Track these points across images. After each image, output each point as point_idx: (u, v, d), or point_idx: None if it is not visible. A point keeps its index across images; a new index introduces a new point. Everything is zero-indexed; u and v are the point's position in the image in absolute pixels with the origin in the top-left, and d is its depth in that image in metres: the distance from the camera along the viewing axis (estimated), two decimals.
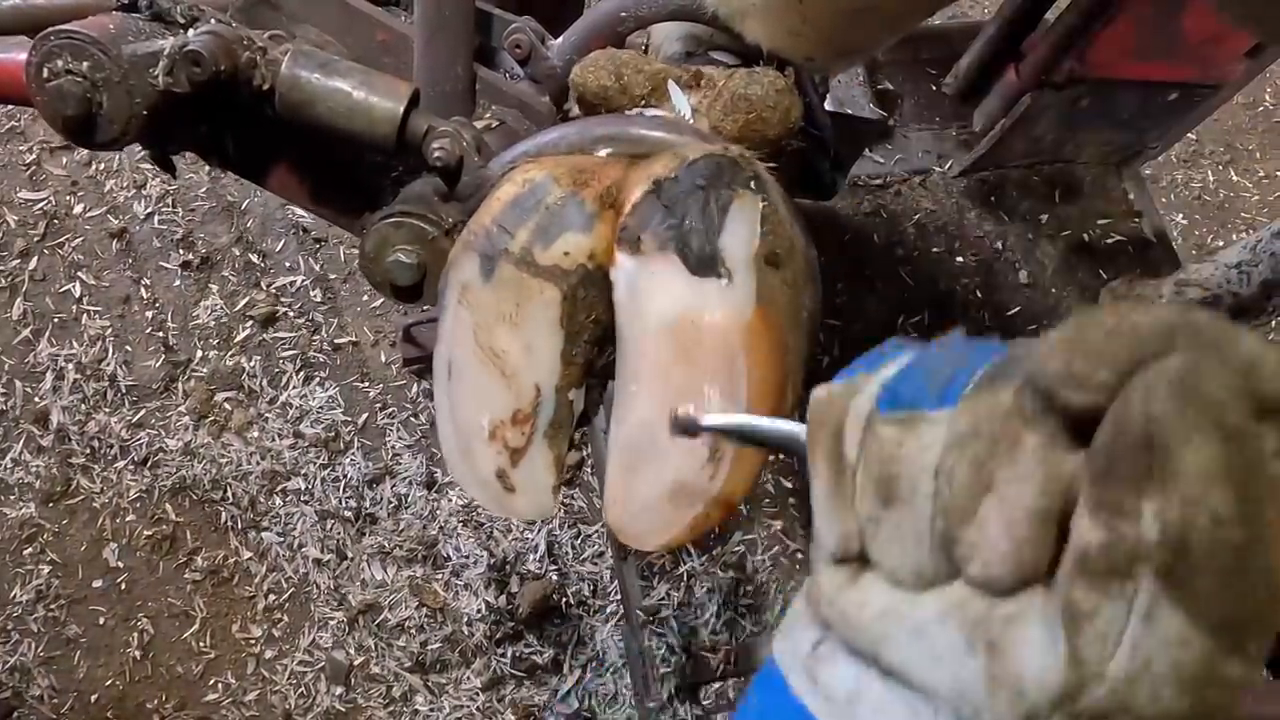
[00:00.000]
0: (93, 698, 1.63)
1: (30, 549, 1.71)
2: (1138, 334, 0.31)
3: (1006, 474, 0.33)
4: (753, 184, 0.60)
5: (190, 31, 0.71)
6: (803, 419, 0.47)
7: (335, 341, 1.88)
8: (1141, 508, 0.29)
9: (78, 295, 1.88)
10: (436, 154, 0.69)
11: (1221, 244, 2.21)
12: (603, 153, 0.66)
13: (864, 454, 0.38)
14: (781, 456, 1.48)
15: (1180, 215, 2.27)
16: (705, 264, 0.59)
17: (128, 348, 1.85)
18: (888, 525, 0.37)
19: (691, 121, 0.71)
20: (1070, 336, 0.32)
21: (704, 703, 1.36)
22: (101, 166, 1.98)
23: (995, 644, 0.33)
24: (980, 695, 0.34)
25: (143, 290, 1.90)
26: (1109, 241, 1.64)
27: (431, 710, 1.63)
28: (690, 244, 0.59)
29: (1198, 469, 0.28)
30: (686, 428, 0.53)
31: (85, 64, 0.68)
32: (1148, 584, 0.29)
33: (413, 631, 1.67)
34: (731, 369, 0.60)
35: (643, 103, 0.72)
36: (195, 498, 1.75)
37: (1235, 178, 2.33)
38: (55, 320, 1.86)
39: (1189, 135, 2.04)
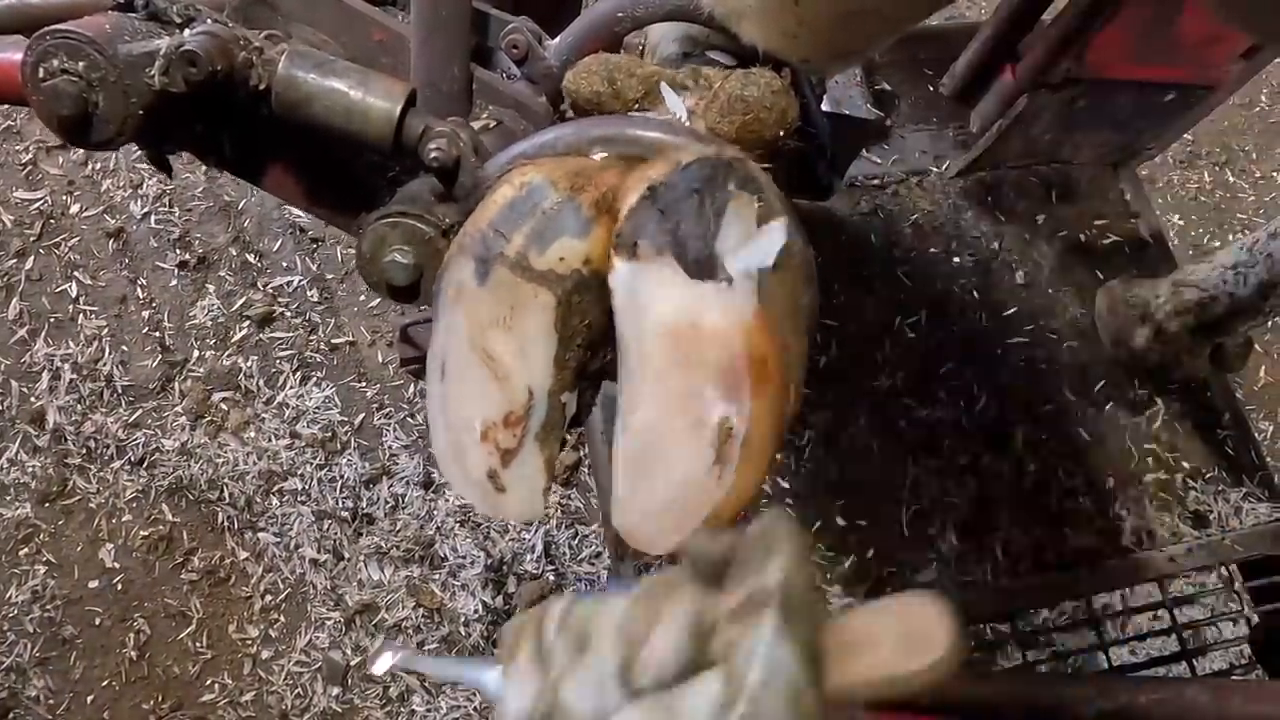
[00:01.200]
0: (89, 698, 1.62)
1: (26, 549, 1.70)
2: (738, 536, 0.50)
3: (671, 608, 0.49)
4: (748, 185, 0.60)
5: (186, 31, 0.71)
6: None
7: (332, 341, 1.88)
8: (768, 566, 0.47)
9: (74, 295, 1.88)
10: (433, 154, 0.69)
11: (1218, 245, 2.21)
12: (599, 154, 0.66)
13: (562, 627, 0.53)
14: (779, 457, 1.48)
15: (1177, 216, 2.27)
16: (703, 267, 0.59)
17: (124, 348, 1.85)
18: (580, 670, 0.50)
19: (687, 123, 0.71)
20: (700, 536, 0.52)
21: None
22: (98, 166, 1.98)
23: (671, 708, 0.47)
24: None
25: (139, 290, 1.89)
26: (1106, 242, 1.64)
27: (428, 710, 1.63)
28: (687, 248, 0.59)
29: (791, 551, 0.48)
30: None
31: (81, 64, 0.68)
32: (772, 613, 0.45)
33: (410, 632, 1.67)
34: (733, 371, 0.60)
35: (636, 106, 0.72)
36: (192, 498, 1.75)
37: (1231, 179, 2.33)
38: (51, 320, 1.86)
39: (1185, 136, 2.04)
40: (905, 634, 0.48)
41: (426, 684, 1.65)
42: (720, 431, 0.61)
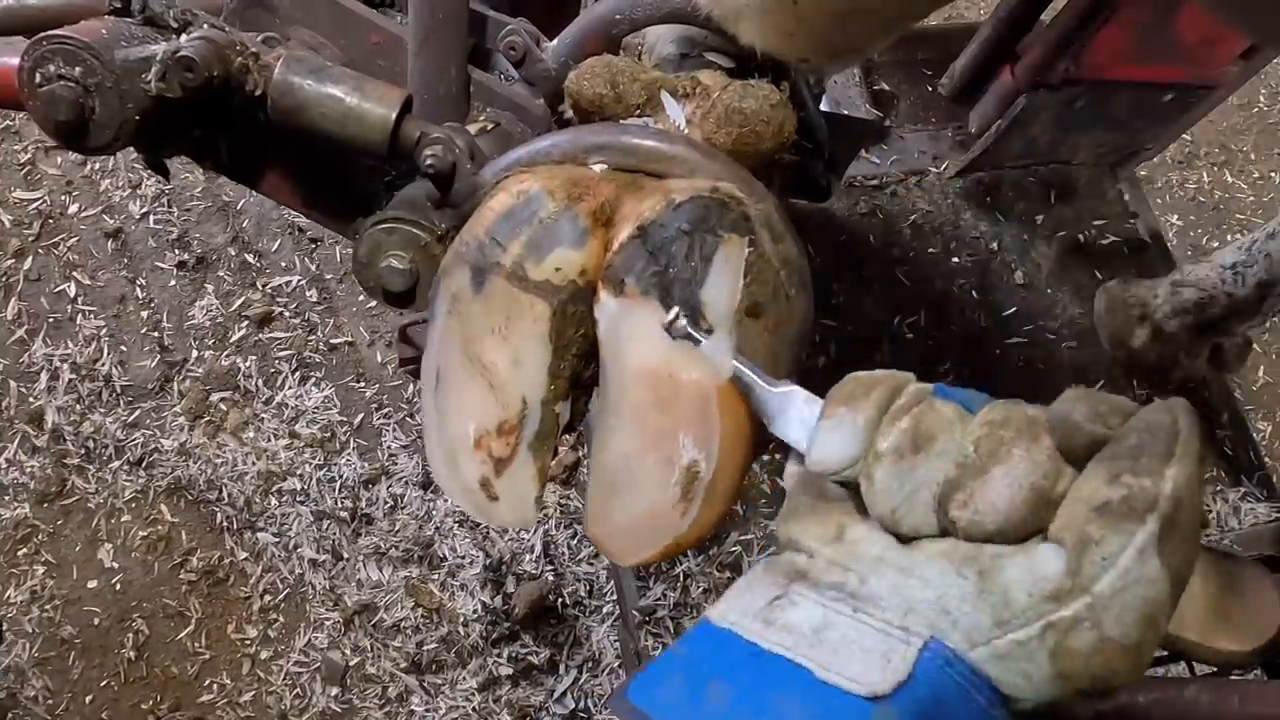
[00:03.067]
0: (87, 699, 1.63)
1: (25, 549, 1.70)
2: (1131, 403, 0.44)
3: (1021, 454, 0.44)
4: (740, 226, 0.61)
5: (183, 36, 0.71)
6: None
7: (331, 342, 1.87)
8: (1165, 471, 0.40)
9: (73, 295, 1.88)
10: (429, 161, 0.69)
11: (1217, 245, 2.21)
12: (595, 162, 0.66)
13: (914, 413, 0.47)
14: (777, 457, 1.48)
15: (1175, 216, 2.27)
16: (687, 316, 0.60)
17: (123, 348, 1.85)
18: (906, 464, 0.46)
19: (685, 131, 0.71)
20: (1085, 396, 0.45)
21: None
22: (96, 166, 1.97)
23: (985, 570, 0.42)
24: (965, 606, 0.42)
25: (138, 290, 1.89)
26: (1104, 242, 1.65)
27: (427, 711, 1.63)
28: (672, 294, 0.60)
29: (1197, 462, 0.41)
30: (680, 334, 0.60)
31: (78, 69, 0.68)
32: (1151, 526, 0.39)
33: (409, 632, 1.67)
34: (706, 422, 0.61)
35: (637, 112, 0.72)
36: (190, 498, 1.75)
37: (1230, 179, 2.33)
38: (50, 320, 1.86)
39: (1184, 136, 2.04)
40: (1242, 605, 0.44)
41: (425, 684, 1.65)
42: (687, 474, 0.62)
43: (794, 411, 0.56)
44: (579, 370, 0.66)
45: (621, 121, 0.72)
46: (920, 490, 0.45)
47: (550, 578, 1.70)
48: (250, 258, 1.92)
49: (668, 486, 0.62)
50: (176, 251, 1.92)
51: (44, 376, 1.80)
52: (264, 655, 1.67)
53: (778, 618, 0.46)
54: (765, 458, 1.46)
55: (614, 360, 0.63)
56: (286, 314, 1.89)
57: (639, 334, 0.61)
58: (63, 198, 1.95)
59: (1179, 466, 0.41)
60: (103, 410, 1.79)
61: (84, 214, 1.94)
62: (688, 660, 0.47)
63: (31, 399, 1.79)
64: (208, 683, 1.65)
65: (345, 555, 1.71)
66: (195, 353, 1.85)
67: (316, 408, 1.81)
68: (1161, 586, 0.40)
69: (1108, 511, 0.40)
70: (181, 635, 1.67)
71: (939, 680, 0.41)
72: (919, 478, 0.45)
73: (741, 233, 0.61)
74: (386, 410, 1.82)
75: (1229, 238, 2.23)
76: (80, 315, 1.86)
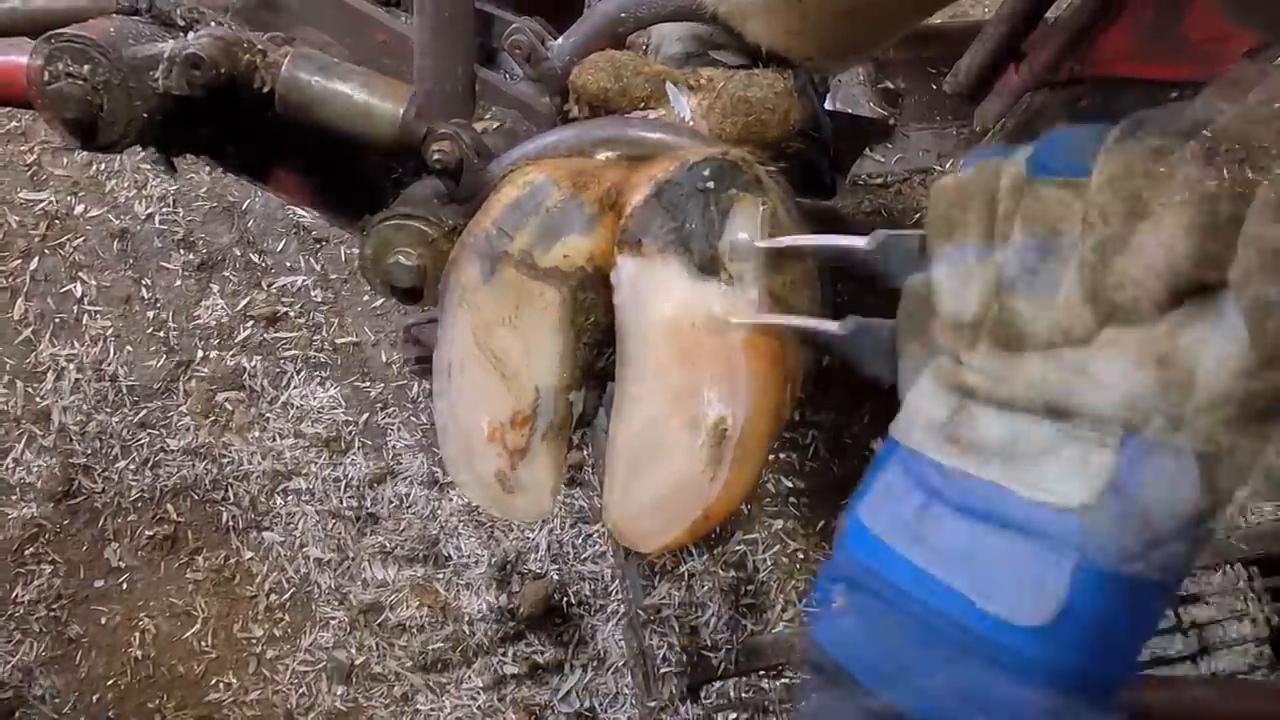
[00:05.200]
0: (94, 698, 1.63)
1: (32, 549, 1.71)
2: None
3: (1162, 199, 0.35)
4: (753, 186, 0.60)
5: (191, 34, 0.71)
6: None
7: (337, 341, 1.88)
8: None
9: (79, 295, 1.88)
10: (436, 156, 0.69)
11: None
12: (602, 155, 0.67)
13: (1024, 215, 0.40)
14: (783, 456, 1.48)
15: None
16: (706, 267, 0.59)
17: (129, 348, 1.85)
18: (1043, 279, 0.39)
19: (691, 124, 0.71)
20: (1226, 85, 0.36)
21: (706, 702, 1.37)
22: (103, 167, 1.98)
23: (1164, 356, 0.36)
24: (1153, 401, 0.36)
25: (144, 290, 1.90)
26: None
27: (433, 710, 1.63)
28: (691, 246, 0.59)
29: None
30: (731, 255, 0.57)
31: (86, 67, 0.69)
32: None
33: (414, 631, 1.67)
34: (732, 372, 0.60)
35: (642, 105, 0.72)
36: (197, 498, 1.75)
37: None
38: (57, 320, 1.86)
39: None
40: None
41: (431, 683, 1.65)
42: (715, 431, 0.61)
43: (897, 255, 0.49)
44: (591, 359, 0.66)
45: (627, 115, 0.72)
46: (1072, 294, 0.39)
47: (556, 577, 1.70)
48: (256, 258, 1.93)
49: (694, 450, 0.61)
50: (182, 252, 1.92)
51: (51, 376, 1.81)
52: (270, 654, 1.67)
53: (963, 435, 0.43)
54: (770, 457, 1.46)
55: (634, 321, 0.62)
56: (292, 314, 1.89)
57: (659, 288, 0.61)
58: (69, 198, 1.96)
59: None
60: (109, 410, 1.79)
61: (90, 215, 1.95)
62: (890, 497, 0.46)
63: (38, 399, 1.79)
64: (214, 682, 1.65)
65: (351, 554, 1.72)
66: (201, 353, 1.85)
67: (322, 407, 1.81)
68: None
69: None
70: (188, 634, 1.67)
71: (1143, 477, 0.37)
72: (1066, 284, 0.39)
73: (755, 192, 0.60)
74: (392, 410, 1.82)
75: None
76: (87, 315, 1.87)
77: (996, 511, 0.41)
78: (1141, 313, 0.37)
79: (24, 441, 1.76)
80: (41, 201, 1.94)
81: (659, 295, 0.61)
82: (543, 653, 1.66)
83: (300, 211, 1.89)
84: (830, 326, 0.53)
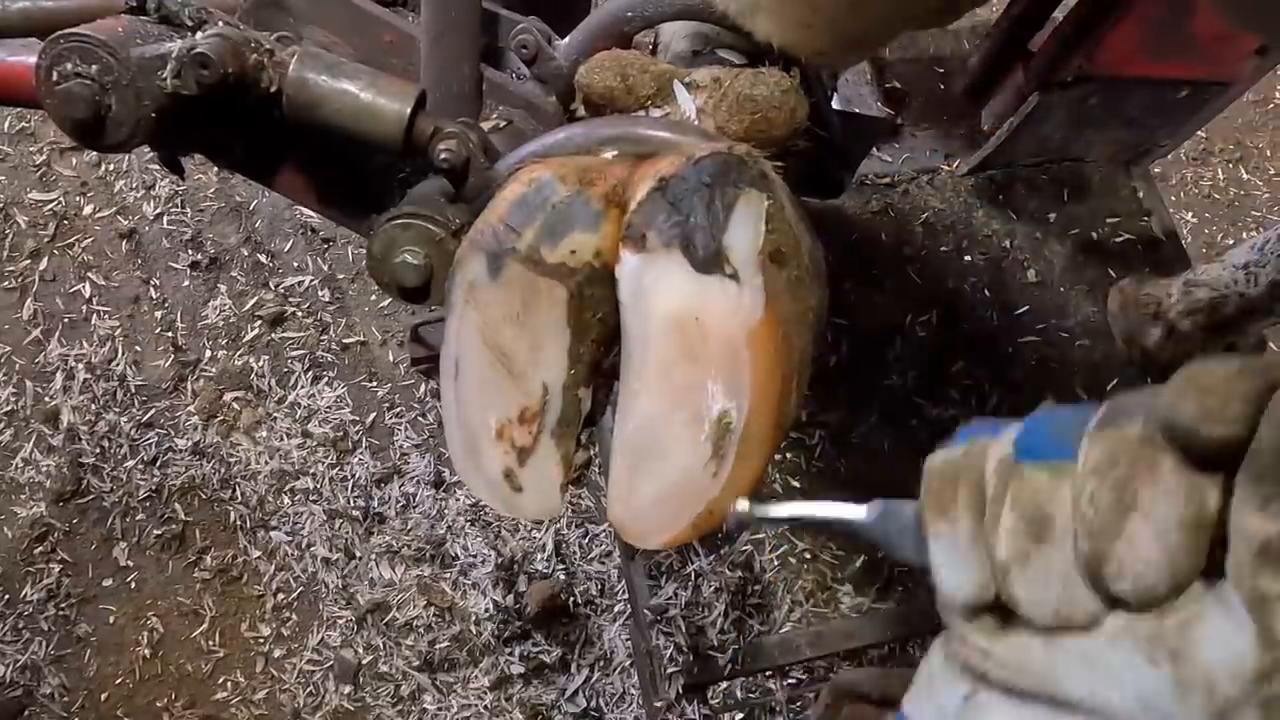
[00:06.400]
0: (102, 696, 1.64)
1: (41, 548, 1.72)
2: (1260, 371, 0.35)
3: (1149, 492, 0.36)
4: (758, 182, 0.60)
5: (198, 34, 0.71)
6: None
7: (343, 341, 1.88)
8: None
9: (87, 295, 1.89)
10: (443, 155, 0.69)
11: (1231, 242, 2.20)
12: (608, 153, 0.66)
13: (1012, 498, 0.41)
14: (789, 456, 1.48)
15: (1190, 213, 2.26)
16: (710, 262, 0.59)
17: (137, 348, 1.86)
18: (1038, 563, 0.39)
19: (697, 122, 0.71)
20: (1193, 382, 0.36)
21: (711, 702, 1.36)
22: (111, 167, 1.99)
23: (1178, 651, 0.35)
24: (1168, 701, 0.36)
25: (152, 290, 1.91)
26: (1118, 240, 1.64)
27: (439, 709, 1.63)
28: (695, 241, 0.59)
29: None
30: (743, 521, 0.58)
31: (94, 67, 0.69)
32: None
33: (421, 630, 1.67)
34: (735, 366, 0.60)
35: (648, 103, 0.72)
36: (204, 497, 1.76)
37: (1245, 175, 2.32)
38: (65, 320, 1.87)
39: (1199, 133, 2.03)
40: None
41: (437, 683, 1.65)
42: (719, 426, 0.60)
43: (896, 527, 0.50)
44: (598, 356, 0.66)
45: (633, 114, 0.72)
46: (1069, 578, 0.39)
47: (562, 577, 1.70)
48: (263, 258, 1.93)
49: (697, 445, 0.61)
50: (190, 252, 1.93)
51: (59, 376, 1.81)
52: (277, 653, 1.68)
53: None
54: (778, 457, 1.46)
55: (637, 316, 0.62)
56: (299, 314, 1.90)
57: (662, 283, 0.60)
58: (78, 199, 1.97)
59: None
60: (117, 410, 1.80)
61: (99, 215, 1.95)
62: None
63: (47, 399, 1.80)
64: (222, 680, 1.66)
65: (358, 554, 1.72)
66: (209, 352, 1.86)
67: (329, 407, 1.81)
68: None
69: (1273, 554, 0.33)
70: (196, 633, 1.68)
71: None
72: (1060, 568, 0.39)
73: (760, 189, 0.60)
74: (399, 409, 1.83)
75: (1244, 234, 2.22)
76: (95, 315, 1.87)
77: None
78: (1146, 603, 0.37)
79: (33, 441, 1.77)
80: (50, 202, 1.95)
81: (662, 290, 0.61)
82: (548, 652, 1.66)
83: (307, 211, 1.90)
84: (858, 514, 0.52)
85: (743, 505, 0.59)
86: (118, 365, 1.83)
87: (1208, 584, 0.36)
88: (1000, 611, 0.42)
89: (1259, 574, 0.33)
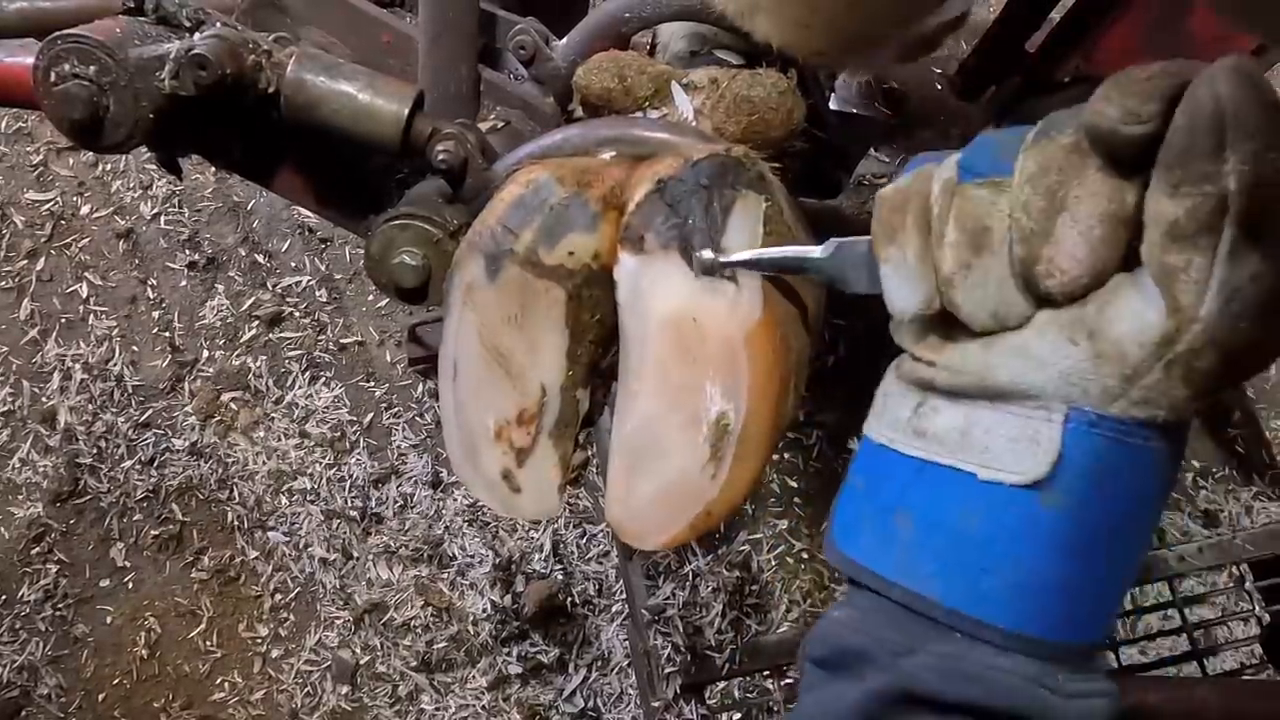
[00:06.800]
0: (100, 697, 1.64)
1: (38, 548, 1.71)
2: (1175, 71, 0.38)
3: (1077, 193, 0.40)
4: (755, 184, 0.60)
5: (196, 35, 0.71)
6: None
7: (341, 341, 1.88)
8: (1221, 169, 0.35)
9: (85, 296, 1.89)
10: (441, 156, 0.69)
11: None
12: (606, 155, 0.67)
13: (955, 215, 0.44)
14: (787, 456, 1.48)
15: None
16: (707, 263, 0.59)
17: (134, 348, 1.86)
18: (977, 271, 0.43)
19: (694, 123, 0.71)
20: (1114, 86, 0.39)
21: (709, 702, 1.36)
22: (108, 167, 1.99)
23: (1094, 330, 0.40)
24: (1087, 372, 0.40)
25: (149, 291, 1.90)
26: None
27: (437, 709, 1.63)
28: (693, 243, 0.59)
29: (1261, 129, 0.35)
30: (707, 268, 0.59)
31: (92, 68, 0.69)
32: (1230, 230, 0.35)
33: (418, 631, 1.67)
34: (733, 367, 0.60)
35: (646, 104, 0.72)
36: (201, 497, 1.76)
37: None
38: (62, 321, 1.87)
39: None
40: None
41: (435, 683, 1.65)
42: (716, 428, 0.61)
43: (850, 262, 0.53)
44: (596, 357, 0.66)
45: (631, 115, 0.72)
46: (1004, 283, 0.43)
47: (559, 577, 1.70)
48: (260, 258, 1.93)
49: (695, 446, 0.61)
50: (187, 252, 1.93)
51: (56, 377, 1.81)
52: (275, 654, 1.68)
53: (926, 427, 0.46)
54: (776, 457, 1.46)
55: (635, 318, 0.62)
56: (297, 314, 1.89)
57: (660, 284, 0.61)
58: (75, 199, 1.96)
59: (1236, 152, 0.35)
60: (114, 410, 1.80)
61: (96, 215, 1.95)
62: (868, 492, 0.49)
63: (44, 399, 1.80)
64: (219, 681, 1.65)
65: (355, 554, 1.72)
66: (206, 353, 1.86)
67: (326, 407, 1.81)
68: (1268, 277, 0.36)
69: (1179, 233, 0.37)
70: (193, 634, 1.68)
71: (1091, 444, 0.41)
72: (997, 274, 0.43)
73: (758, 190, 0.60)
74: (396, 410, 1.83)
75: None
76: (92, 316, 1.87)
77: (959, 493, 0.44)
78: (1071, 295, 0.41)
79: (30, 441, 1.77)
80: (47, 202, 1.95)
81: (660, 291, 0.61)
82: (546, 652, 1.66)
83: (305, 212, 1.90)
84: (813, 252, 0.55)
85: (707, 254, 0.60)
86: (115, 365, 1.82)
87: (1127, 275, 0.40)
88: (944, 327, 0.46)
89: (1167, 250, 0.37)
